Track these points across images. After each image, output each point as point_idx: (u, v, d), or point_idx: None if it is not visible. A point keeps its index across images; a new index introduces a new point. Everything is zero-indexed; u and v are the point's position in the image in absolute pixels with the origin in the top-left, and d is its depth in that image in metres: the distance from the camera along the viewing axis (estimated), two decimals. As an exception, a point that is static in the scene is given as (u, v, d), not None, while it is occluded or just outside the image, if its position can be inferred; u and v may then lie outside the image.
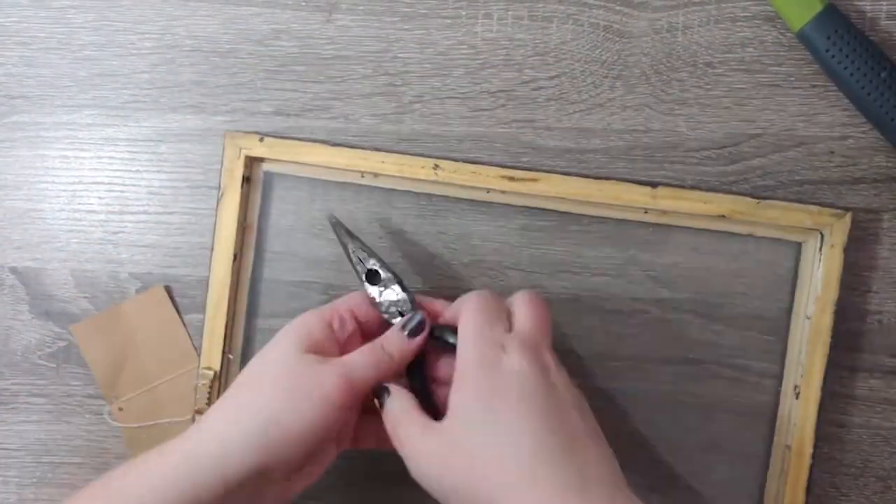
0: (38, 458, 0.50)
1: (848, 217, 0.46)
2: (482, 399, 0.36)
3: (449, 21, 0.48)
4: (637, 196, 0.46)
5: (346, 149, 0.47)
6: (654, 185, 0.46)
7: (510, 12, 0.48)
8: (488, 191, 0.47)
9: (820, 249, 0.46)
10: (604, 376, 0.49)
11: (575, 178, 0.46)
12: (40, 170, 0.49)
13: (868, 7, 0.47)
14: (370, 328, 0.43)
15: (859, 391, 0.48)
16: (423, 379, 0.42)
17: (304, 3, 0.48)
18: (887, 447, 0.49)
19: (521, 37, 0.48)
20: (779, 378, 0.48)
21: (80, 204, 0.49)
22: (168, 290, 0.49)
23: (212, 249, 0.47)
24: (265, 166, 0.48)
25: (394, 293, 0.43)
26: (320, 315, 0.42)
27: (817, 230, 0.46)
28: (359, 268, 0.43)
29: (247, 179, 0.47)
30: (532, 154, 0.48)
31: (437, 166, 0.46)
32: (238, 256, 0.48)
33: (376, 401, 0.41)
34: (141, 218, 0.49)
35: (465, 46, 0.48)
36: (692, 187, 0.47)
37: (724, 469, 0.49)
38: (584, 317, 0.49)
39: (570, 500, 0.34)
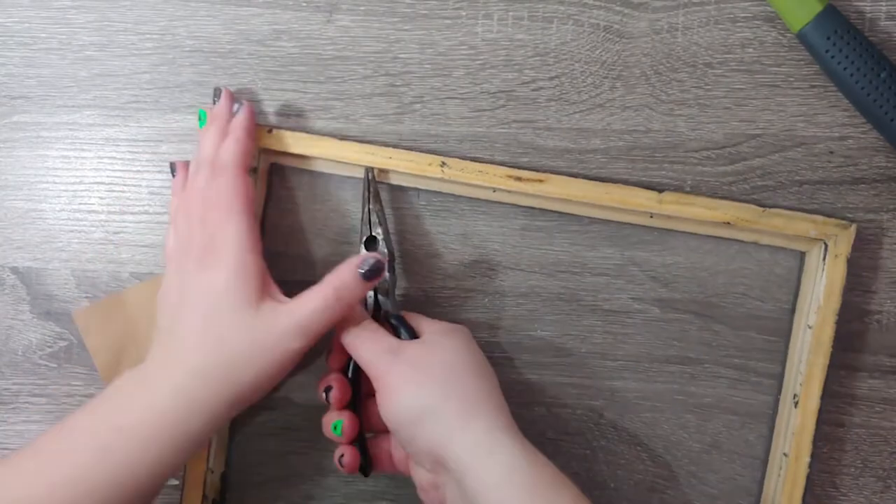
0: (39, 458, 0.50)
1: (853, 228, 0.45)
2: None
3: (449, 22, 0.48)
4: (643, 200, 0.46)
5: (354, 143, 0.47)
6: (660, 189, 0.46)
7: (510, 13, 0.48)
8: (494, 190, 0.47)
9: (823, 259, 0.46)
10: (604, 376, 0.49)
11: (581, 179, 0.46)
12: (41, 170, 0.49)
13: (868, 8, 0.48)
14: None
15: (859, 391, 0.48)
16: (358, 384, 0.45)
17: (304, 4, 0.48)
18: (887, 447, 0.49)
19: (522, 37, 0.48)
20: (778, 378, 0.48)
21: (80, 204, 0.49)
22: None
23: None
24: (271, 158, 0.48)
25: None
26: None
27: (821, 240, 0.46)
28: (364, 229, 0.46)
29: (254, 170, 0.47)
30: (532, 154, 0.48)
31: (444, 164, 0.46)
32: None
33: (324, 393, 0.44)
34: (142, 218, 0.49)
35: (465, 47, 0.48)
36: (692, 188, 0.47)
37: (724, 469, 0.49)
38: (584, 317, 0.49)
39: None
